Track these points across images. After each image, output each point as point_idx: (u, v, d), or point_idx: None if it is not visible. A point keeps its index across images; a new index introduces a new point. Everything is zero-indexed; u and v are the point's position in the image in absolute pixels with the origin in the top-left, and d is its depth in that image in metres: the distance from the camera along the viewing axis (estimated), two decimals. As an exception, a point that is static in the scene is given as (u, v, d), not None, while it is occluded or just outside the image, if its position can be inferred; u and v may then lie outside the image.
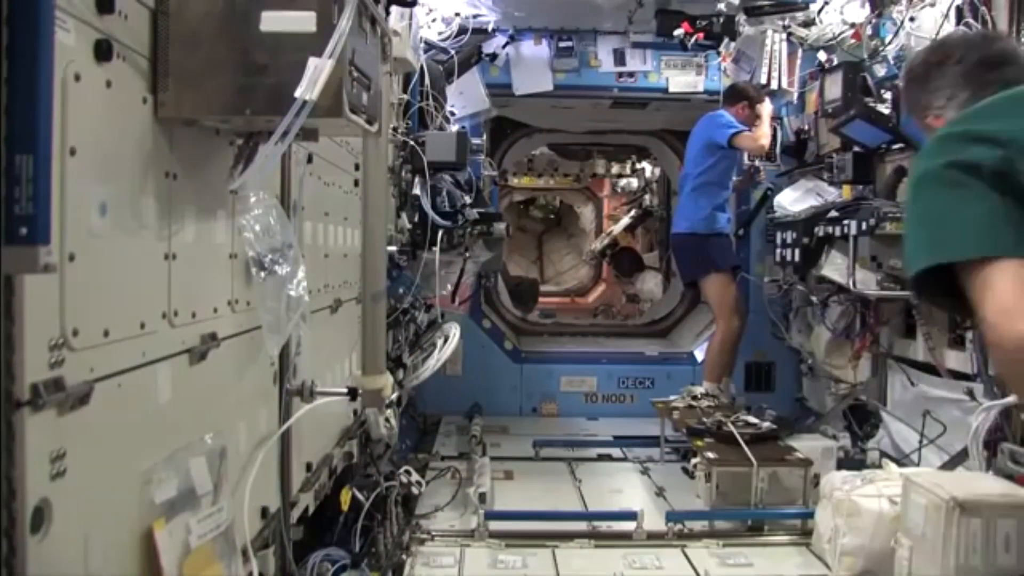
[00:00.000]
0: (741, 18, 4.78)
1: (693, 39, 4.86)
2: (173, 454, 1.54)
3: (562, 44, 5.49)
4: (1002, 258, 1.48)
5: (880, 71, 4.17)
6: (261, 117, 1.55)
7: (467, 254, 4.39)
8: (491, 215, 4.69)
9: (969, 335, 3.42)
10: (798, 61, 4.94)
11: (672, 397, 4.88)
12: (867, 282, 4.00)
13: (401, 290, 3.95)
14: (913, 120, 2.11)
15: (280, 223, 1.92)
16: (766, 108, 4.91)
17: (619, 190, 10.40)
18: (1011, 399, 3.06)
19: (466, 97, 5.37)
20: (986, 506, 2.57)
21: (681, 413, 4.60)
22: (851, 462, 4.16)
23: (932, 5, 3.75)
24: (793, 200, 4.84)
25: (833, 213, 4.25)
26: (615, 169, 10.04)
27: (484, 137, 5.59)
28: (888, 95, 3.95)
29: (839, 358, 4.57)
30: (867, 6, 4.27)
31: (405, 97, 4.21)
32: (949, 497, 2.58)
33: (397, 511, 3.33)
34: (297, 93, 1.46)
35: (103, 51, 1.29)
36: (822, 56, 4.62)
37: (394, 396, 2.85)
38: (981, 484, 2.75)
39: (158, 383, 1.52)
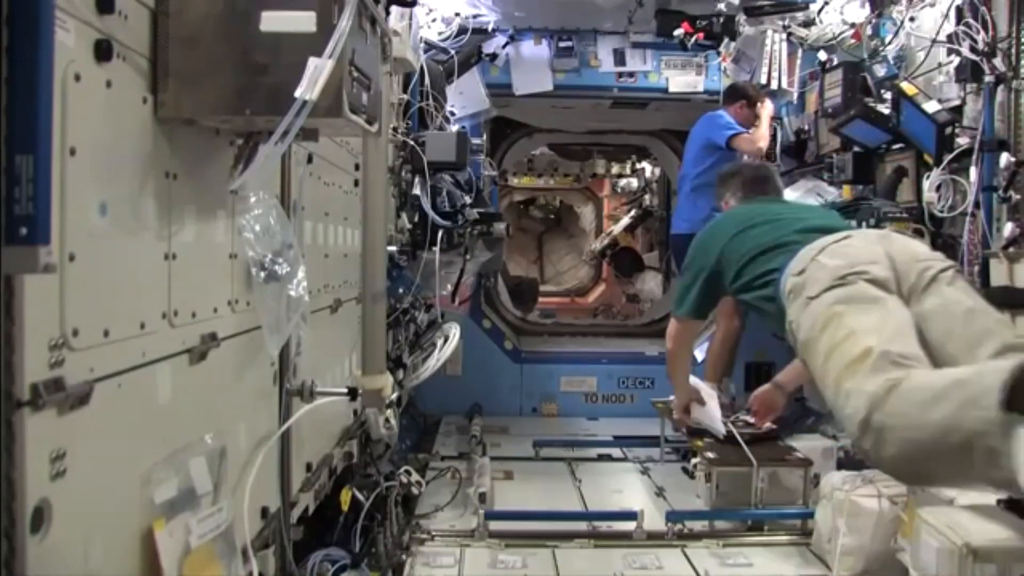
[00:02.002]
0: (741, 18, 4.78)
1: (693, 39, 4.86)
2: (173, 454, 1.54)
3: (562, 44, 5.49)
4: (684, 318, 3.30)
5: (880, 71, 4.17)
6: (261, 117, 1.55)
7: (467, 255, 4.39)
8: (491, 215, 4.69)
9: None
10: (798, 61, 4.94)
11: (672, 397, 4.87)
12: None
13: (401, 290, 3.94)
14: (716, 200, 3.67)
15: (280, 223, 1.92)
16: (766, 109, 4.90)
17: (619, 190, 10.40)
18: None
19: (466, 97, 5.37)
20: (1000, 552, 2.53)
21: (681, 413, 4.59)
22: (851, 462, 4.15)
23: (932, 5, 3.75)
24: (793, 200, 4.84)
25: (833, 213, 4.25)
26: (615, 169, 10.04)
27: (484, 137, 5.58)
28: (888, 95, 3.94)
29: (839, 358, 4.56)
30: (867, 6, 4.27)
31: (405, 97, 4.21)
32: (962, 543, 2.54)
33: (397, 511, 3.33)
34: (297, 93, 1.46)
35: (103, 51, 1.29)
36: (822, 56, 4.62)
37: (394, 396, 2.85)
38: (995, 525, 2.69)
39: (158, 383, 1.52)
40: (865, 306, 2.21)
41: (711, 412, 3.83)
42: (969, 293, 2.39)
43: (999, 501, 2.82)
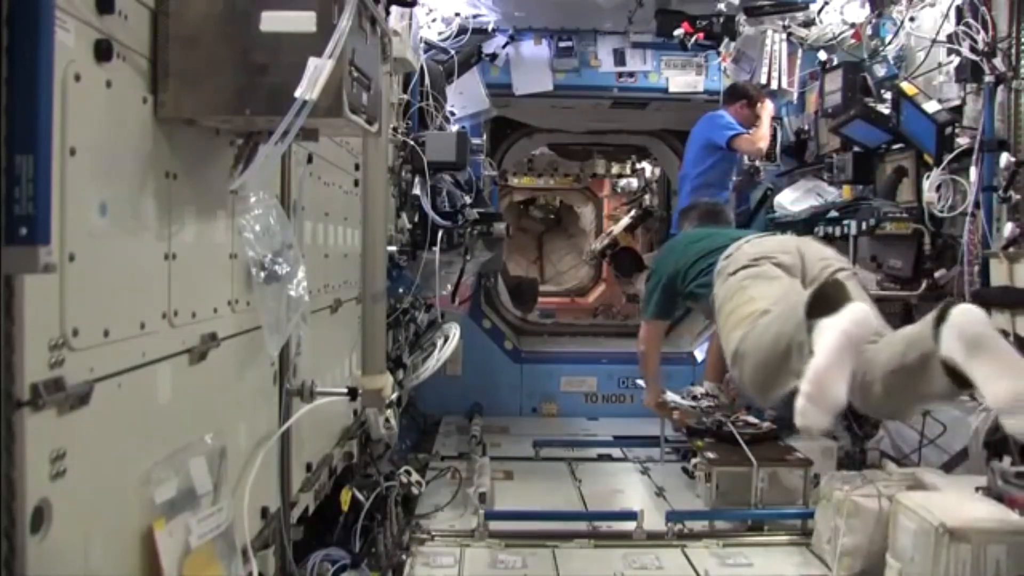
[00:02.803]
0: (741, 18, 4.79)
1: (693, 39, 4.86)
2: (173, 454, 1.54)
3: (562, 44, 5.49)
4: (651, 320, 3.85)
5: (880, 71, 4.17)
6: (261, 117, 1.55)
7: (467, 255, 4.39)
8: (491, 215, 4.69)
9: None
10: (798, 61, 4.94)
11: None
12: (867, 282, 3.99)
13: (401, 290, 3.95)
14: (678, 230, 4.35)
15: (280, 223, 1.92)
16: (766, 110, 4.90)
17: (619, 190, 10.40)
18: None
19: (466, 97, 5.37)
20: (976, 532, 2.54)
21: (681, 413, 4.59)
22: (851, 462, 4.15)
23: (932, 5, 3.75)
24: (793, 200, 4.84)
25: (833, 213, 4.25)
26: (615, 169, 10.03)
27: (484, 137, 5.58)
28: (888, 95, 3.94)
29: (839, 358, 4.56)
30: (867, 6, 4.27)
31: (405, 97, 4.21)
32: (938, 523, 2.55)
33: (397, 511, 3.33)
34: (297, 93, 1.46)
35: (103, 51, 1.29)
36: (822, 56, 4.62)
37: (394, 396, 2.85)
38: (971, 508, 2.70)
39: (158, 383, 1.52)
40: (766, 281, 2.84)
41: (674, 396, 4.53)
42: (856, 289, 2.81)
43: (977, 488, 2.81)
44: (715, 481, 3.74)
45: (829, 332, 2.15)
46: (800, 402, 2.16)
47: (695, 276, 3.32)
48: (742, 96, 4.93)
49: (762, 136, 4.82)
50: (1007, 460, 3.04)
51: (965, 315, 2.06)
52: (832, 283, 2.33)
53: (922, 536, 2.62)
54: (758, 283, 2.81)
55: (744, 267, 2.91)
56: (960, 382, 2.08)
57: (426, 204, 4.02)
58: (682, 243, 3.67)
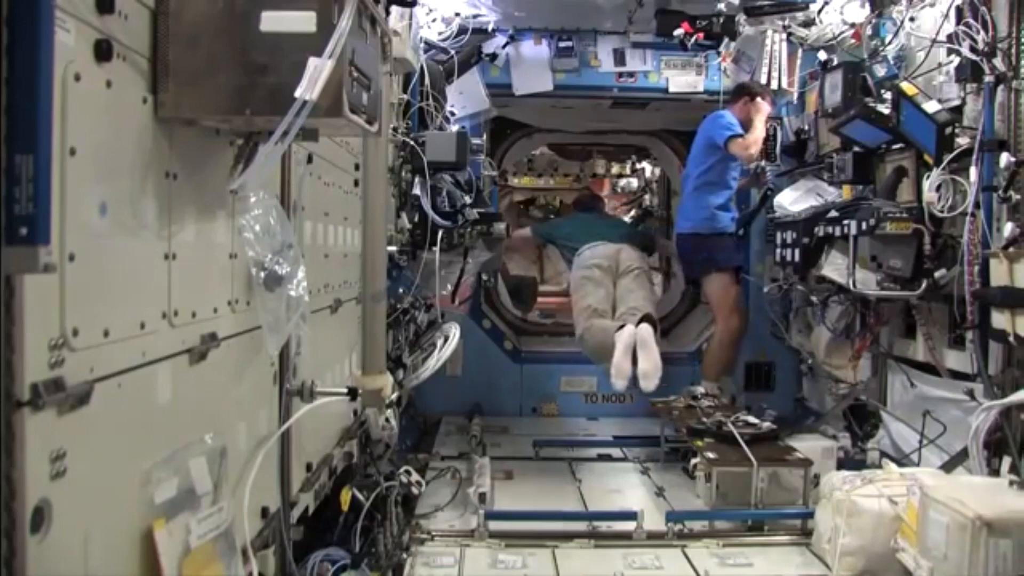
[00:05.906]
0: (741, 18, 4.78)
1: (693, 39, 4.85)
2: (173, 454, 1.55)
3: (562, 44, 5.48)
4: (532, 232, 6.59)
5: (880, 71, 4.17)
6: (261, 117, 1.55)
7: (468, 258, 4.39)
8: (491, 215, 4.69)
9: (969, 335, 3.41)
10: (798, 61, 4.94)
11: (672, 397, 4.88)
12: (867, 282, 3.99)
13: (401, 290, 3.95)
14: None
15: (280, 223, 1.92)
16: (759, 114, 4.87)
17: (619, 190, 10.40)
18: (1011, 399, 3.06)
19: (466, 97, 5.37)
20: (1016, 525, 2.36)
21: (681, 413, 4.60)
22: (851, 462, 4.15)
23: (932, 5, 3.75)
24: (793, 200, 4.84)
25: (833, 213, 4.25)
26: (615, 169, 10.03)
27: (484, 137, 5.57)
28: (888, 95, 3.94)
29: (839, 358, 4.57)
30: (867, 6, 4.27)
31: (405, 97, 4.20)
32: (975, 515, 2.37)
33: (397, 511, 3.33)
34: (297, 93, 1.46)
35: (103, 51, 1.29)
36: (822, 56, 4.62)
37: (394, 396, 2.85)
38: (1007, 499, 2.52)
39: (158, 383, 1.52)
40: (592, 284, 5.06)
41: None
42: (640, 281, 5.15)
43: (1011, 482, 2.74)
44: (715, 481, 3.74)
45: (618, 340, 4.44)
46: (612, 377, 4.43)
47: (566, 245, 5.56)
48: (745, 94, 4.92)
49: (754, 140, 4.79)
50: (1007, 461, 3.04)
51: (642, 330, 4.45)
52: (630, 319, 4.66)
53: (956, 531, 2.44)
54: (587, 285, 5.05)
55: (581, 268, 5.19)
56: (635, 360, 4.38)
57: (426, 204, 4.01)
58: (570, 222, 6.13)
